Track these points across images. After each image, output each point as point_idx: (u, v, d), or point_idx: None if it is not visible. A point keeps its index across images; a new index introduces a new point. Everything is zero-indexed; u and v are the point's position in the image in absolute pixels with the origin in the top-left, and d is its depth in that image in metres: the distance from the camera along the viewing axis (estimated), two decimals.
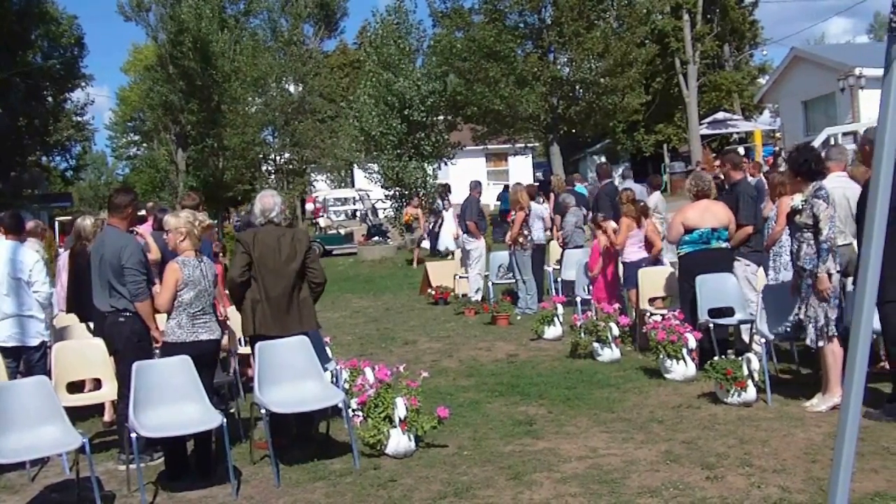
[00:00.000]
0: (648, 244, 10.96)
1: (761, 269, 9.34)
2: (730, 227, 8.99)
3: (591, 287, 11.59)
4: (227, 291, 7.79)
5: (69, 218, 20.24)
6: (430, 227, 24.09)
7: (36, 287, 7.82)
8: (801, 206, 7.18)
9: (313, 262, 7.19)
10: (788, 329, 7.42)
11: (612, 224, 11.39)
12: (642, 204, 11.44)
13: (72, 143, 49.70)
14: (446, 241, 22.35)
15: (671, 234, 9.24)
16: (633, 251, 11.08)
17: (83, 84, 45.29)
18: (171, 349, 6.56)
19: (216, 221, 30.61)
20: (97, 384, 7.87)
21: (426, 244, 24.07)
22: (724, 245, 8.97)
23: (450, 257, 20.99)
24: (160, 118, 42.52)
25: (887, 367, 7.14)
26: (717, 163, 14.38)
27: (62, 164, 51.98)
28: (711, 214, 8.99)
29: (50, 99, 42.04)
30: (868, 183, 7.70)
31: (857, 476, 5.13)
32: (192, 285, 6.57)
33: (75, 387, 7.80)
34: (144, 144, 61.26)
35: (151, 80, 42.85)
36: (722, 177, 11.17)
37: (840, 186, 7.91)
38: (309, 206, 37.25)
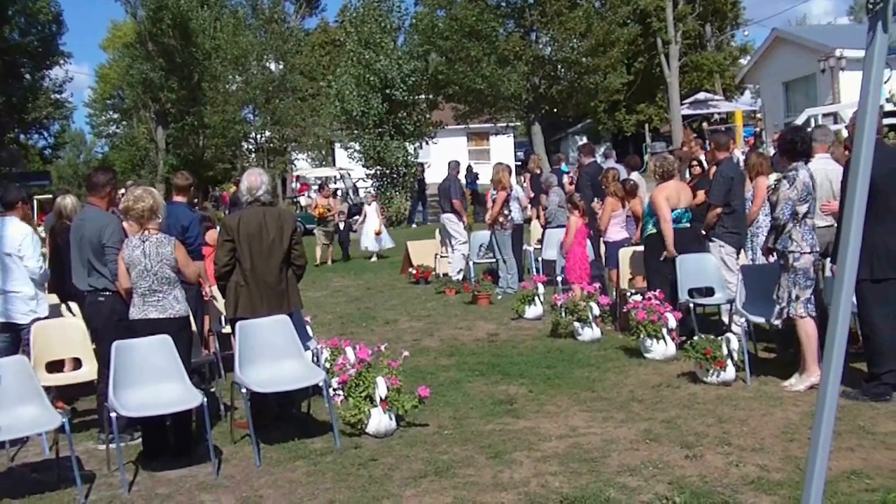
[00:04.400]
0: (636, 221, 10.90)
1: (742, 251, 9.38)
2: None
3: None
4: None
5: (48, 196, 20.00)
6: (350, 224, 22.43)
7: (26, 262, 7.69)
8: (774, 186, 7.27)
9: (297, 244, 7.17)
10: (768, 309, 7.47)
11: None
12: (632, 182, 11.39)
13: (50, 120, 49.30)
14: (367, 240, 20.53)
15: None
16: (616, 231, 11.10)
17: (61, 61, 44.84)
18: (129, 327, 6.56)
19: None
20: (77, 364, 7.83)
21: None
22: (688, 225, 9.17)
23: (372, 259, 20.31)
24: (140, 96, 42.22)
25: None
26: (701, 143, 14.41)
27: (40, 142, 51.64)
28: (685, 194, 9.14)
29: (28, 76, 41.56)
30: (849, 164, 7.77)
31: (834, 455, 5.17)
32: (132, 265, 6.51)
33: (55, 367, 7.76)
34: (124, 122, 60.83)
35: (131, 58, 42.55)
36: (703, 157, 11.20)
37: (822, 168, 7.94)
38: (294, 185, 36.90)
